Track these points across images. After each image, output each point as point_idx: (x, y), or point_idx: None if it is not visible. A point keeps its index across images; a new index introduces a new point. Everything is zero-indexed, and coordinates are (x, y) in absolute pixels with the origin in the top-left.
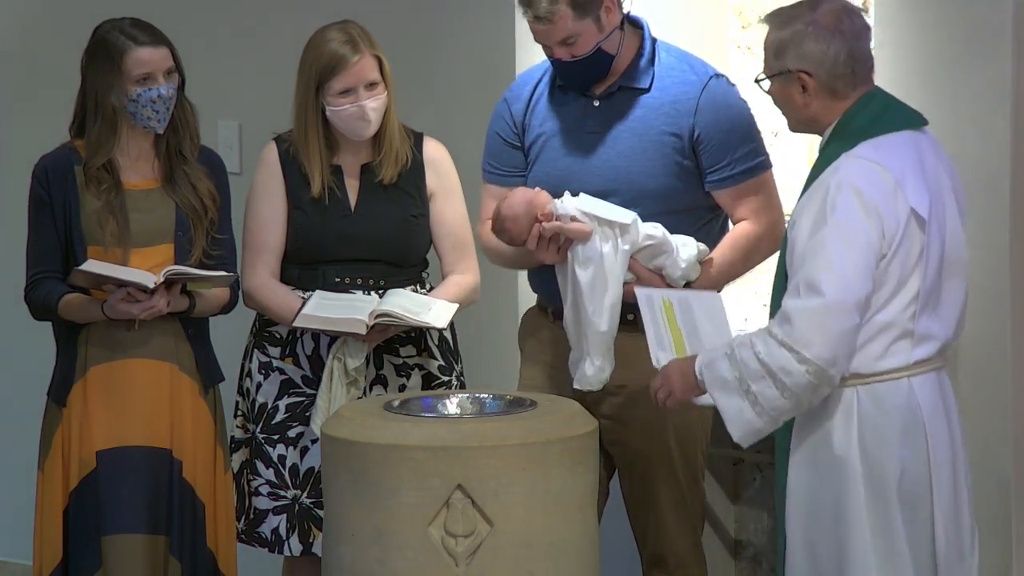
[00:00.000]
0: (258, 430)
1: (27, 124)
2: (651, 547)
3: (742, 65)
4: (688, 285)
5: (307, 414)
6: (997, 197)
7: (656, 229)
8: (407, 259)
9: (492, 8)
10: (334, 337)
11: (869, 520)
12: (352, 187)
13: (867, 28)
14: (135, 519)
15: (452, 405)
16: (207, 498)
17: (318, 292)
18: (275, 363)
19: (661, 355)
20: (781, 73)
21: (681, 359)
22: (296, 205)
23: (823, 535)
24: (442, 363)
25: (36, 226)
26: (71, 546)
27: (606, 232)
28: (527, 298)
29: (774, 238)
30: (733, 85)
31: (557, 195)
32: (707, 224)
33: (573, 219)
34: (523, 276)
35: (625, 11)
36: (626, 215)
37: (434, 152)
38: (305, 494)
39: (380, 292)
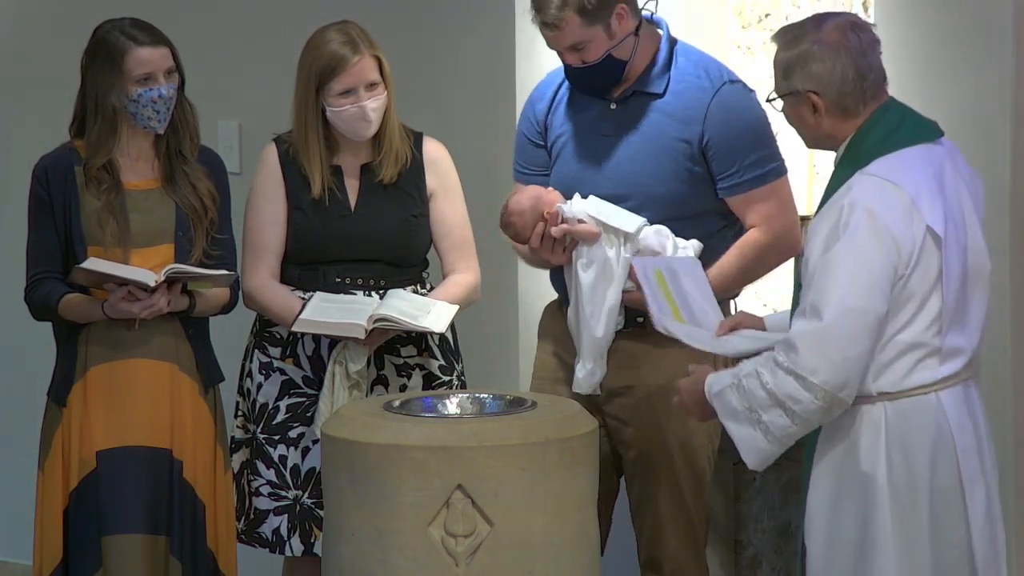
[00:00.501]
0: (259, 430)
1: (27, 124)
2: (647, 550)
3: (742, 65)
4: None
5: (308, 414)
6: (997, 197)
7: (660, 235)
8: (407, 259)
9: (492, 8)
10: (335, 340)
11: (895, 537)
12: (352, 187)
13: (875, 42)
14: (135, 519)
15: (452, 405)
16: (207, 498)
17: (318, 294)
18: (276, 363)
19: (665, 320)
20: (791, 93)
21: (692, 380)
22: (296, 206)
23: (845, 550)
24: (443, 363)
25: (36, 226)
26: (71, 546)
27: (611, 238)
28: (527, 298)
29: (785, 246)
30: (751, 91)
31: (568, 197)
32: (721, 231)
33: (580, 222)
34: (523, 276)
35: (646, 13)
36: (633, 222)
37: (434, 152)
38: (306, 494)
39: (380, 292)
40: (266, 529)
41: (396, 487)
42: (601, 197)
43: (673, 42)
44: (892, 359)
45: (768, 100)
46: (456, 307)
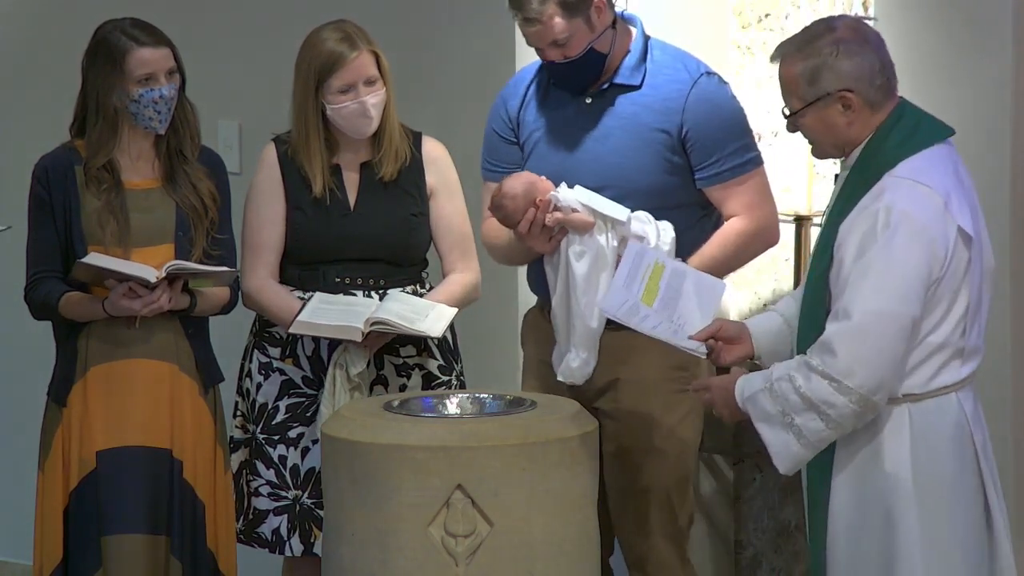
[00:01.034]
0: (258, 430)
1: (27, 124)
2: (629, 548)
3: (741, 65)
4: None
5: (307, 414)
6: (997, 197)
7: (640, 221)
8: (407, 258)
9: (492, 8)
10: (334, 341)
11: (921, 535)
12: (352, 187)
13: (882, 38)
14: (135, 519)
15: (452, 405)
16: (207, 498)
17: (317, 295)
18: (275, 363)
19: (609, 297)
20: (819, 99)
21: (724, 380)
22: (296, 206)
23: (869, 551)
24: (442, 363)
25: (36, 226)
26: (71, 546)
27: (600, 225)
28: (527, 298)
29: (766, 234)
30: (725, 83)
31: None
32: (700, 221)
33: (573, 211)
34: (523, 276)
35: (618, 10)
36: (622, 210)
37: (433, 151)
38: (306, 494)
39: (380, 292)
40: (266, 529)
41: (396, 487)
42: None
43: (647, 37)
44: (921, 361)
45: (787, 118)
46: (455, 310)
